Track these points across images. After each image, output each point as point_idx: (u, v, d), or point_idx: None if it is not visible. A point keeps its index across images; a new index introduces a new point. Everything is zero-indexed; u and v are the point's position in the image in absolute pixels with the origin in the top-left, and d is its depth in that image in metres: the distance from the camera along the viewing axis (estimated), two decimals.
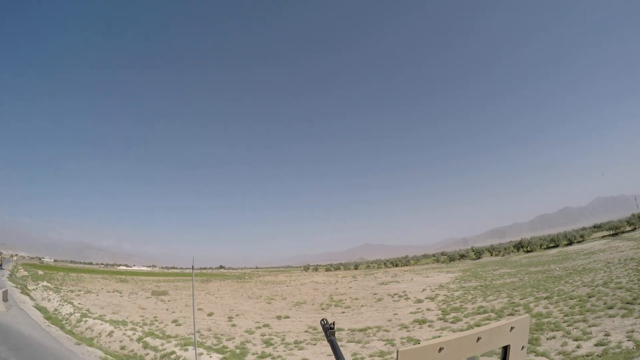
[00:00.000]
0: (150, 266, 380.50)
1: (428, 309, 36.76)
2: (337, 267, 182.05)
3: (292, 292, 71.54)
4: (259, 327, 36.86)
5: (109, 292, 71.42)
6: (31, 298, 49.81)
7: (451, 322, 29.53)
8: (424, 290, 53.03)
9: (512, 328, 2.74)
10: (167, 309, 51.88)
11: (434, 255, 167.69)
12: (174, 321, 41.55)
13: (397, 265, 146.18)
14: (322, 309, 48.38)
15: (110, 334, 31.79)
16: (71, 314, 40.43)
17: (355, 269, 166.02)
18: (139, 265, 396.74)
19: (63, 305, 45.95)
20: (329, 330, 3.17)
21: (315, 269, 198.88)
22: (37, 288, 64.58)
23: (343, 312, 42.19)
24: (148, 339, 29.32)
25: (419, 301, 43.01)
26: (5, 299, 33.54)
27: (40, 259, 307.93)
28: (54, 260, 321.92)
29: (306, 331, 34.01)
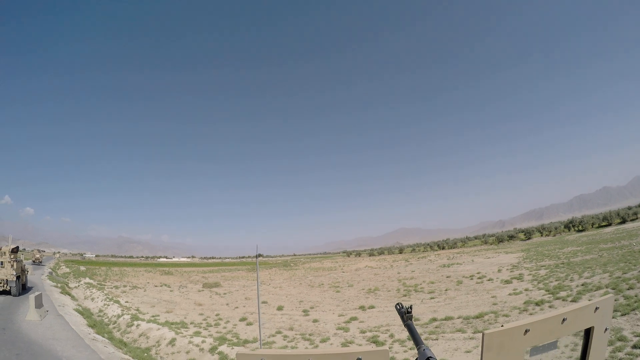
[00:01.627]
0: (189, 257, 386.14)
1: (526, 289, 32.63)
2: (381, 252, 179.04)
3: (354, 279, 65.33)
4: (348, 322, 29.98)
5: (156, 286, 66.08)
6: (72, 298, 44.21)
7: (572, 301, 25.32)
8: (499, 270, 49.15)
9: (596, 309, 2.73)
10: (227, 304, 45.44)
11: (476, 237, 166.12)
12: (243, 319, 34.86)
13: (443, 248, 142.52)
14: (404, 295, 41.53)
15: (172, 342, 24.91)
16: (119, 316, 34.14)
17: (400, 252, 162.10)
18: (179, 256, 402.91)
19: (109, 305, 39.88)
20: (405, 314, 3.11)
21: (358, 254, 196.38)
22: (78, 286, 59.72)
23: (432, 298, 36.73)
24: (223, 348, 22.23)
25: (507, 282, 38.91)
26: (39, 305, 26.95)
27: (82, 255, 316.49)
28: (96, 256, 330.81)
29: None
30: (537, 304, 26.38)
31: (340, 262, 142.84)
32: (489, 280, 42.39)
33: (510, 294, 31.84)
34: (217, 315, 38.19)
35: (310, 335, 26.92)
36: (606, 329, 2.76)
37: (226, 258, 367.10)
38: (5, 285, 37.12)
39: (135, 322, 30.71)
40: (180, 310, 41.20)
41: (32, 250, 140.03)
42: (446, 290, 40.16)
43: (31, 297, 26.11)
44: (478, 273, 49.21)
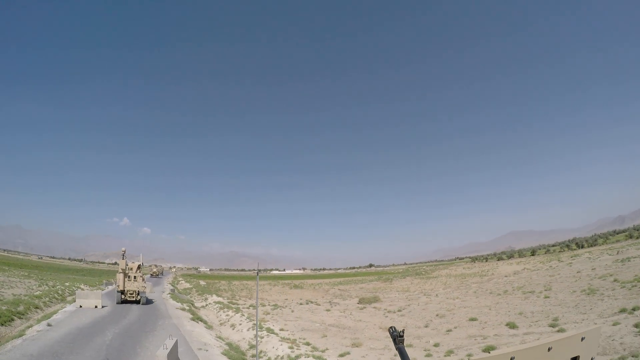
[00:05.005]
0: (301, 269, 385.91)
1: None
2: (510, 255, 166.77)
3: (531, 282, 56.86)
4: None
5: (300, 304, 54.26)
6: (206, 325, 32.55)
7: None
8: None
9: (582, 339, 2.88)
10: (425, 326, 32.87)
11: (602, 234, 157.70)
12: (488, 349, 20.65)
13: (582, 247, 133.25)
14: None
15: None
16: (291, 359, 20.86)
17: (532, 255, 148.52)
18: (291, 268, 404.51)
19: (262, 337, 27.06)
20: (398, 337, 3.29)
21: (485, 259, 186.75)
22: (207, 305, 49.64)
23: None
24: None
25: None
26: None
27: (197, 269, 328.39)
28: (210, 269, 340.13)
29: None
30: None
31: (473, 268, 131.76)
32: None
33: None
34: (435, 345, 24.43)
35: None
36: (592, 359, 2.92)
37: (338, 269, 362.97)
38: (137, 296, 42.82)
39: None
40: (368, 341, 27.93)
41: (149, 266, 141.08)
42: None
43: (161, 354, 12.72)
44: None
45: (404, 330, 3.25)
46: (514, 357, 2.61)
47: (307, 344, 26.42)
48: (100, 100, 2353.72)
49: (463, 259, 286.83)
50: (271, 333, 28.72)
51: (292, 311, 45.37)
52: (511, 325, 28.36)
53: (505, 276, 76.82)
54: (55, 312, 31.49)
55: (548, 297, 40.53)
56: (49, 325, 24.63)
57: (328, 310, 46.02)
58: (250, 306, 49.35)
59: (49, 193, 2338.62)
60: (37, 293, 42.70)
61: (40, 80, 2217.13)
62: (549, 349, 2.70)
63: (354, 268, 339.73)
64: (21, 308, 31.09)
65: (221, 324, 36.00)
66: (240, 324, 33.40)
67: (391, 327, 3.35)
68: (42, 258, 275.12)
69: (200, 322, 32.85)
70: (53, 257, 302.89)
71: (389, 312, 42.97)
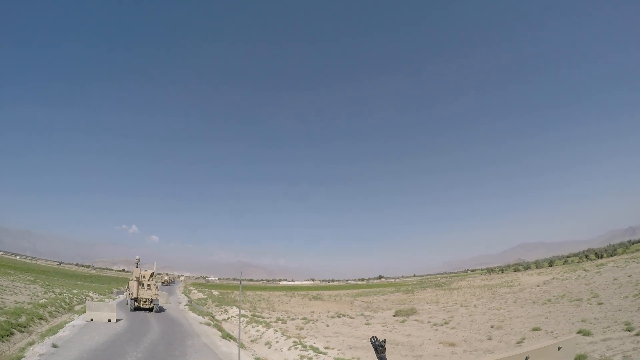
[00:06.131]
0: (310, 279, 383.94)
1: None
2: (527, 267, 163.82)
3: (569, 291, 53.46)
4: None
5: (332, 317, 49.54)
6: (238, 344, 27.73)
7: None
8: None
9: (559, 348, 2.92)
10: (488, 339, 27.51)
11: (621, 244, 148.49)
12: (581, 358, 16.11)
13: (601, 257, 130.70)
14: None
15: None
16: None
17: (550, 265, 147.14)
18: (300, 279, 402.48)
19: (311, 359, 22.52)
20: (379, 347, 3.47)
21: (501, 270, 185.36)
22: (228, 318, 45.26)
23: None
24: None
25: None
26: None
27: (205, 277, 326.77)
28: (218, 279, 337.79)
29: None
30: None
31: (493, 279, 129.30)
32: None
33: None
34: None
35: None
36: None
37: (347, 280, 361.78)
38: (150, 304, 43.71)
39: None
40: (434, 359, 23.01)
41: (159, 274, 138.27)
42: None
43: None
44: None
45: (385, 340, 3.42)
46: None
47: None
48: (113, 105, 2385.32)
49: (475, 270, 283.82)
50: (318, 352, 23.98)
51: (327, 325, 40.53)
52: (585, 333, 25.62)
53: (537, 286, 72.64)
54: (61, 326, 26.42)
55: (601, 303, 37.53)
56: (54, 346, 19.26)
57: (368, 324, 41.15)
58: (278, 319, 44.65)
59: (59, 198, 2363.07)
60: (42, 301, 38.30)
61: (54, 84, 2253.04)
62: (526, 358, 2.67)
63: (363, 279, 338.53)
64: (23, 319, 26.58)
65: (252, 341, 31.27)
66: (276, 342, 28.65)
67: (373, 337, 3.60)
68: (60, 264, 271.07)
69: (231, 340, 28.17)
70: (61, 263, 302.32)
71: (434, 324, 38.29)
